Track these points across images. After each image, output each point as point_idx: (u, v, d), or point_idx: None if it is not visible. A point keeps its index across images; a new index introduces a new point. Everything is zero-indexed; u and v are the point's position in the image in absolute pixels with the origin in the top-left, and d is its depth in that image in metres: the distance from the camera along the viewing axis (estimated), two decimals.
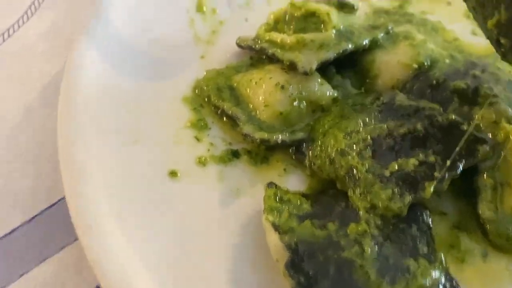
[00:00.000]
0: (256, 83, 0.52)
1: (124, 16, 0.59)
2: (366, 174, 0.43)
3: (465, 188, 0.48)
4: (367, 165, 0.44)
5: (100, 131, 0.49)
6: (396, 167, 0.44)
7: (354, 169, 0.44)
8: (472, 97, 0.51)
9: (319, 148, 0.48)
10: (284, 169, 0.50)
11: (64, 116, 0.50)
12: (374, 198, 0.42)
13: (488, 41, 0.64)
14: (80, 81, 0.52)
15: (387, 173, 0.43)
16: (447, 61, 0.55)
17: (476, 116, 0.49)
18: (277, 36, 0.55)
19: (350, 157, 0.45)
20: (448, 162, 0.43)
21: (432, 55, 0.55)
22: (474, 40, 0.64)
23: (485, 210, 0.45)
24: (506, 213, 0.45)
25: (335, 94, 0.53)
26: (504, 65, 0.61)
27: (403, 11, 0.67)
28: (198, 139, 0.52)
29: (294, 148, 0.51)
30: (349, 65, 0.57)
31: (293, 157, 0.51)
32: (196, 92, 0.56)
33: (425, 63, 0.54)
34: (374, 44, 0.56)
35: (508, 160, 0.46)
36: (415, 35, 0.57)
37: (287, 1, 0.67)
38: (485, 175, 0.46)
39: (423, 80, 0.53)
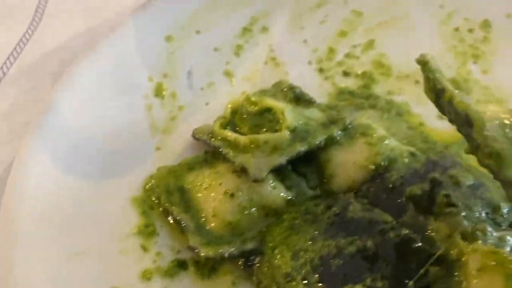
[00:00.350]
0: (206, 188, 0.51)
1: (79, 107, 0.58)
2: None
3: None
4: None
5: (42, 242, 0.48)
6: None
7: None
8: (427, 205, 0.49)
9: (267, 265, 0.47)
10: (233, 283, 0.48)
11: (4, 225, 0.48)
12: None
13: (453, 127, 0.63)
14: (26, 183, 0.51)
15: None
16: (406, 160, 0.53)
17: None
18: (231, 135, 0.53)
19: (295, 283, 0.43)
20: None
21: (390, 154, 0.53)
22: (440, 124, 0.62)
23: None
24: None
25: (289, 196, 0.52)
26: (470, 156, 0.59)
27: (368, 93, 0.65)
28: (144, 249, 0.50)
29: (244, 259, 0.49)
30: (306, 160, 0.55)
31: (242, 269, 0.49)
32: (147, 190, 0.54)
33: (382, 164, 0.52)
34: (331, 141, 0.54)
35: (460, 281, 0.44)
36: (374, 130, 0.55)
37: (249, 83, 0.66)
38: None
39: (379, 183, 0.52)
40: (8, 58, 0.72)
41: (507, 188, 0.43)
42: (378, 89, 0.66)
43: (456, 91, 0.47)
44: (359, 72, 0.67)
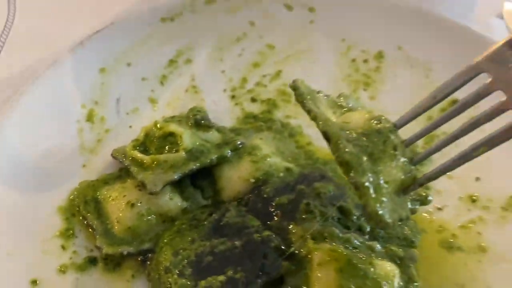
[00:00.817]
0: (113, 200, 0.63)
1: (20, 129, 0.69)
2: None
3: None
4: (180, 283, 0.54)
5: None
6: (204, 284, 0.53)
7: (172, 286, 0.54)
8: (291, 212, 0.60)
9: (154, 261, 0.58)
10: (133, 275, 0.60)
11: None
12: None
13: None
14: None
15: None
16: (281, 174, 0.65)
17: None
18: (138, 155, 0.65)
19: (170, 274, 0.55)
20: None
21: (269, 170, 0.65)
22: (325, 144, 0.73)
23: None
24: None
25: (184, 205, 0.63)
26: None
27: (269, 117, 0.76)
28: (64, 248, 0.62)
29: (142, 256, 0.61)
30: (204, 175, 0.66)
31: (141, 264, 0.60)
32: (70, 200, 0.66)
33: (260, 178, 0.64)
34: (223, 160, 0.66)
35: (308, 274, 0.55)
36: (259, 150, 0.67)
37: (170, 109, 0.78)
38: (287, 286, 0.55)
39: (257, 194, 0.63)
40: None
41: (355, 188, 0.50)
42: (279, 114, 0.77)
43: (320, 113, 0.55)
44: (265, 98, 0.79)
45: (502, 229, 0.64)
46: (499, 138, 0.47)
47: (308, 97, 0.56)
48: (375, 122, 0.55)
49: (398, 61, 0.82)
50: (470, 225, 0.65)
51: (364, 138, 0.53)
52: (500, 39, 0.48)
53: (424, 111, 0.53)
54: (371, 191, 0.50)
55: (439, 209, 0.67)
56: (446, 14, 0.93)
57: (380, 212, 0.49)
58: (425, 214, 0.66)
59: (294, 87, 0.56)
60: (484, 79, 0.48)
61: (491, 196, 0.67)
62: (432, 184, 0.68)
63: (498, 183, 0.68)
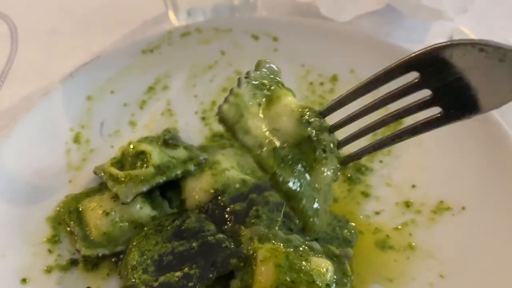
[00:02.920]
0: (91, 209, 0.73)
1: (17, 150, 0.81)
2: (141, 285, 0.63)
3: None
4: (143, 278, 0.64)
5: None
6: (163, 279, 0.63)
7: (136, 281, 0.64)
8: (243, 218, 0.70)
9: (124, 261, 0.68)
10: (108, 274, 0.70)
11: None
12: None
13: None
14: None
15: (155, 284, 0.63)
16: (237, 185, 0.74)
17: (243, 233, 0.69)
18: (114, 171, 0.75)
19: (135, 272, 0.65)
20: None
21: (227, 182, 0.75)
22: None
23: None
24: None
25: (153, 214, 0.73)
26: None
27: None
28: (50, 251, 0.72)
29: (116, 257, 0.71)
30: (172, 187, 0.77)
31: (115, 264, 0.71)
32: (57, 211, 0.76)
33: (219, 189, 0.74)
34: (187, 173, 0.76)
35: (253, 269, 0.65)
36: (219, 165, 0.77)
37: (147, 130, 0.89)
38: (237, 279, 0.65)
39: (215, 203, 0.73)
40: None
41: (293, 212, 0.57)
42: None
43: None
44: None
45: (430, 230, 0.72)
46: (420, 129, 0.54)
47: (237, 125, 0.56)
48: (303, 121, 0.57)
49: (350, 83, 0.92)
50: (403, 227, 0.73)
51: (297, 150, 0.56)
52: None
53: (350, 101, 0.58)
54: (309, 212, 0.55)
55: (377, 213, 0.76)
56: (403, 38, 1.03)
57: (316, 225, 0.56)
58: (364, 218, 0.75)
59: (221, 120, 0.55)
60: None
61: (423, 201, 0.76)
62: (372, 191, 0.78)
63: (431, 190, 0.77)
